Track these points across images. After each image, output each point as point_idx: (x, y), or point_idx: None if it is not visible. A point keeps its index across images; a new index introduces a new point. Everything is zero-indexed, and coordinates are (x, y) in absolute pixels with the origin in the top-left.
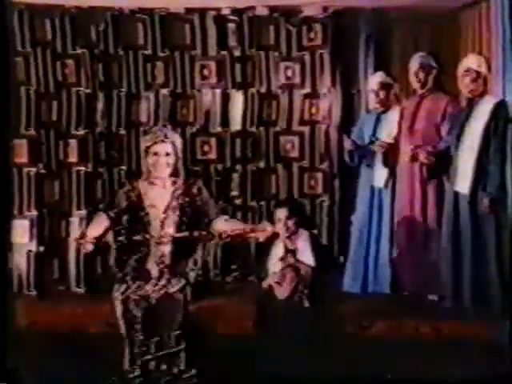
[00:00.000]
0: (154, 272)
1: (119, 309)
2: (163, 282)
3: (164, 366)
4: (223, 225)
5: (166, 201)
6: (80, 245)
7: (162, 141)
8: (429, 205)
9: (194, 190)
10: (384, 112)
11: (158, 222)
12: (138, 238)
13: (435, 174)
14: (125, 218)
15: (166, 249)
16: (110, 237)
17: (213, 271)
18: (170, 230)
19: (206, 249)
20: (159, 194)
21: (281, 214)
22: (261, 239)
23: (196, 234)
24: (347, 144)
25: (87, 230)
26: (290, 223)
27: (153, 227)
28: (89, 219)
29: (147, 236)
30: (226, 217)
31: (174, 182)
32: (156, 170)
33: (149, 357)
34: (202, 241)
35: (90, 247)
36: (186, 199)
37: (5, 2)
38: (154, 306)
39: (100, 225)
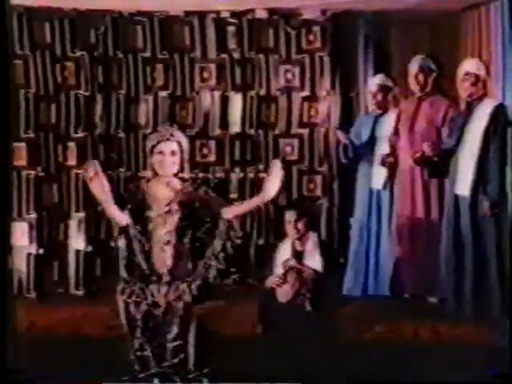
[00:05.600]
0: (159, 272)
1: (121, 309)
2: (165, 285)
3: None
4: (233, 210)
5: (168, 199)
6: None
7: (168, 139)
8: (432, 207)
9: (200, 194)
10: (382, 114)
11: (159, 220)
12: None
13: (436, 174)
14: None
15: (168, 250)
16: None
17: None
18: (172, 228)
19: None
20: (163, 192)
21: (290, 216)
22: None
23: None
24: (341, 137)
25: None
26: (300, 225)
27: (153, 224)
28: (88, 222)
29: (148, 236)
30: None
31: (181, 183)
32: (161, 169)
33: (151, 359)
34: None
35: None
36: (191, 199)
37: (4, 4)
38: (156, 309)
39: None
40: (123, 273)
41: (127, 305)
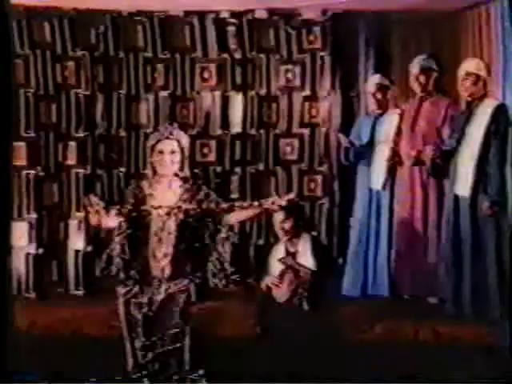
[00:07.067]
0: (157, 273)
1: (121, 311)
2: (165, 284)
3: (167, 365)
4: (234, 216)
5: (171, 202)
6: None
7: (167, 138)
8: (429, 207)
9: (201, 196)
10: (382, 114)
11: (159, 222)
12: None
13: (437, 175)
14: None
15: (169, 250)
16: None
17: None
18: (172, 230)
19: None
20: (164, 194)
21: (277, 217)
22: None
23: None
24: (343, 141)
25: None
26: (287, 226)
27: (154, 227)
28: (88, 222)
29: (148, 236)
30: (237, 208)
31: (181, 184)
32: (161, 168)
33: (149, 357)
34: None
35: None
36: (192, 205)
37: (4, 4)
38: (156, 309)
39: (111, 221)
40: (121, 274)
41: (128, 306)
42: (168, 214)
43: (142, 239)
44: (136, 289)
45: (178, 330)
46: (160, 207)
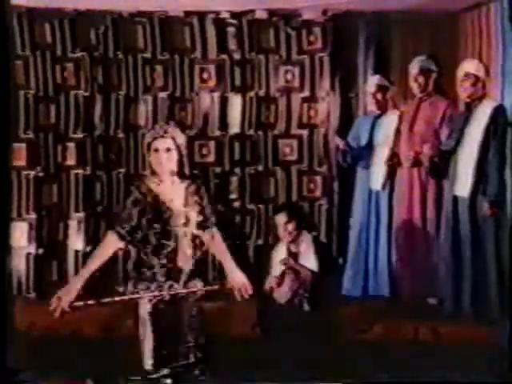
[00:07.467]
0: (186, 268)
1: (146, 308)
2: (185, 282)
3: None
4: (207, 241)
5: (181, 197)
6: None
7: (162, 136)
8: (428, 208)
9: (202, 193)
10: (381, 115)
11: (181, 218)
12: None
13: (436, 175)
14: (140, 226)
15: (190, 247)
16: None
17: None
18: (193, 225)
19: None
20: (171, 191)
21: (280, 219)
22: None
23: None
24: (340, 143)
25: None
26: (291, 228)
27: (175, 221)
28: (87, 222)
29: (171, 229)
30: (215, 230)
31: (181, 181)
32: (158, 166)
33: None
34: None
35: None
36: (198, 198)
37: (5, 5)
38: (179, 306)
39: (108, 248)
40: (134, 273)
41: (156, 303)
42: (185, 206)
43: (166, 234)
44: (166, 285)
45: (195, 330)
46: (172, 201)
